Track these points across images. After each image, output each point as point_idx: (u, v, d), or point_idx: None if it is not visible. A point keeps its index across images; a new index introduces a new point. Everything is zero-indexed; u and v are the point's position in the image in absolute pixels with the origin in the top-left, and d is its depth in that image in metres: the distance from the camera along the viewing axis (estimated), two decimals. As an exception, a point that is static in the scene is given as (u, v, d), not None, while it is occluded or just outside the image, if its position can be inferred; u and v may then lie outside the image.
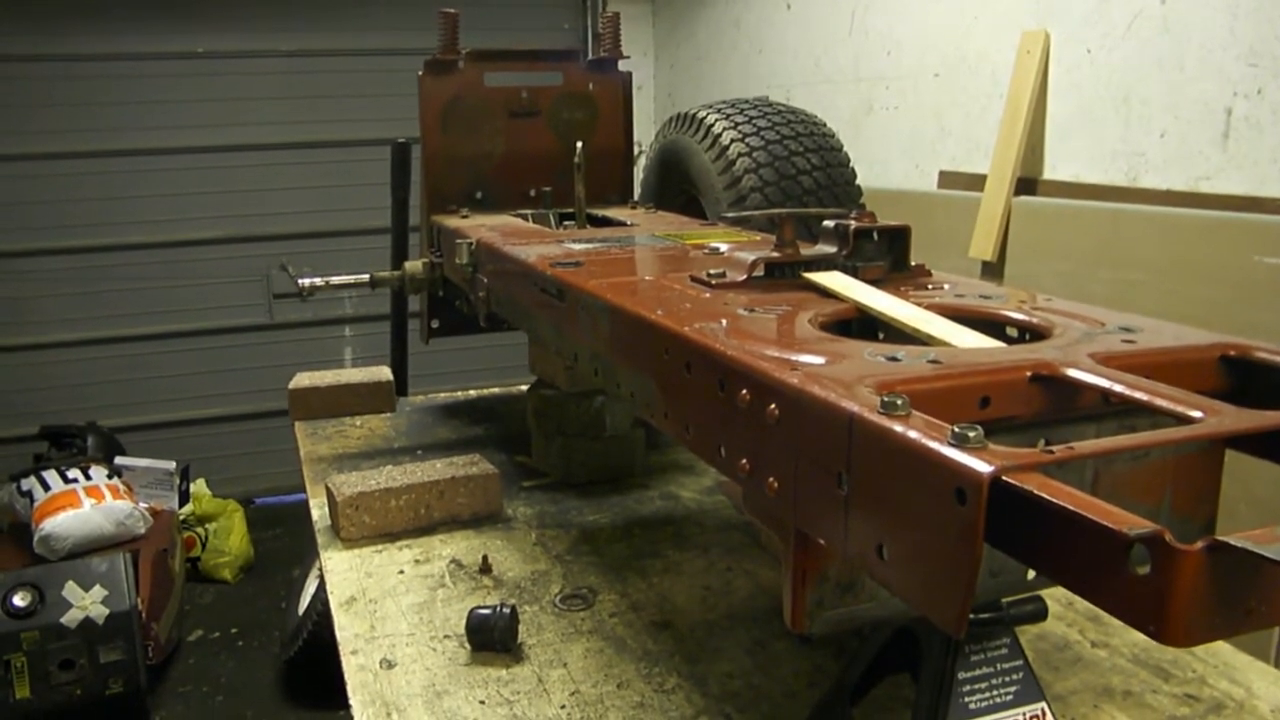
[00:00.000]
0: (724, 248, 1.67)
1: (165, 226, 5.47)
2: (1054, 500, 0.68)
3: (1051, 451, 0.73)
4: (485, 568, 1.74)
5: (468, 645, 1.47)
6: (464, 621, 1.48)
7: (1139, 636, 1.48)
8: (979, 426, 0.73)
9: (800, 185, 2.18)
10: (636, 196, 2.62)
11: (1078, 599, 1.55)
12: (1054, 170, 3.26)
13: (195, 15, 5.32)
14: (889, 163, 4.07)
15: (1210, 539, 0.62)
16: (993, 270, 3.35)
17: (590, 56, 2.53)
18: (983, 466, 0.69)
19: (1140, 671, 1.41)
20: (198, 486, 5.14)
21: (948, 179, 3.75)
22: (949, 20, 3.68)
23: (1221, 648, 1.45)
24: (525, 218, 2.33)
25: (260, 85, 5.49)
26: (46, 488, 4.11)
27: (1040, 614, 1.15)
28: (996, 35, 3.45)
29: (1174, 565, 0.62)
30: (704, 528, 1.92)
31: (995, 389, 0.89)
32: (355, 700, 1.36)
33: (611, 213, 2.32)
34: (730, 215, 2.06)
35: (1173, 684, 1.38)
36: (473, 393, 2.86)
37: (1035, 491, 0.68)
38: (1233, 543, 0.61)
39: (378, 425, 2.55)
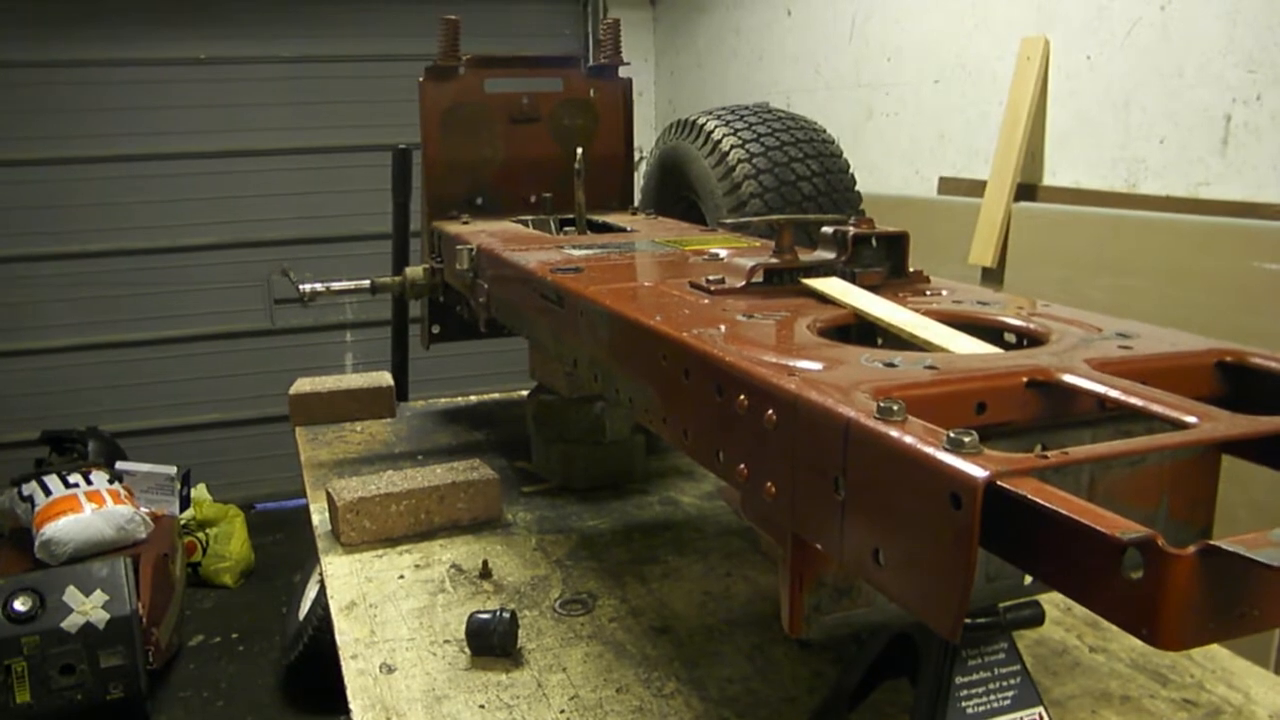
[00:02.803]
0: (723, 254, 1.67)
1: (167, 232, 5.49)
2: (1048, 505, 0.68)
3: (1046, 456, 0.73)
4: (485, 573, 1.74)
5: (467, 650, 1.48)
6: (464, 626, 1.49)
7: (1137, 641, 1.48)
8: (974, 432, 0.74)
9: (800, 191, 2.19)
10: (637, 202, 2.62)
11: (1075, 604, 1.56)
12: (1054, 176, 3.27)
13: (197, 22, 5.34)
14: (889, 169, 4.08)
15: (1202, 543, 0.62)
16: (993, 276, 3.35)
17: (591, 63, 2.53)
18: (978, 471, 0.70)
19: (1138, 676, 1.41)
20: (199, 491, 5.14)
21: (948, 185, 3.76)
22: (949, 27, 3.69)
23: (1220, 652, 1.46)
24: (525, 223, 2.34)
25: (262, 91, 5.51)
26: (47, 492, 4.11)
27: (1037, 619, 1.15)
28: (996, 42, 3.46)
29: (1166, 569, 0.62)
30: (703, 533, 1.92)
31: (991, 394, 0.90)
32: (355, 705, 1.36)
33: (611, 219, 2.33)
34: (730, 221, 2.07)
35: (1171, 689, 1.38)
36: (473, 398, 2.87)
37: (1030, 496, 0.69)
38: (1224, 547, 0.62)
39: (378, 430, 2.55)
